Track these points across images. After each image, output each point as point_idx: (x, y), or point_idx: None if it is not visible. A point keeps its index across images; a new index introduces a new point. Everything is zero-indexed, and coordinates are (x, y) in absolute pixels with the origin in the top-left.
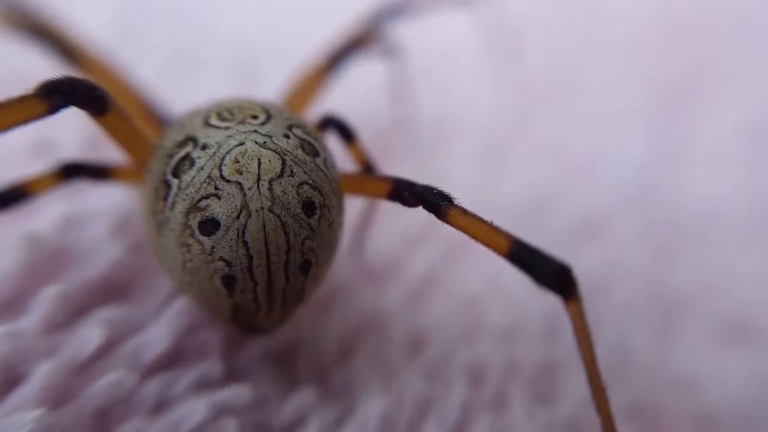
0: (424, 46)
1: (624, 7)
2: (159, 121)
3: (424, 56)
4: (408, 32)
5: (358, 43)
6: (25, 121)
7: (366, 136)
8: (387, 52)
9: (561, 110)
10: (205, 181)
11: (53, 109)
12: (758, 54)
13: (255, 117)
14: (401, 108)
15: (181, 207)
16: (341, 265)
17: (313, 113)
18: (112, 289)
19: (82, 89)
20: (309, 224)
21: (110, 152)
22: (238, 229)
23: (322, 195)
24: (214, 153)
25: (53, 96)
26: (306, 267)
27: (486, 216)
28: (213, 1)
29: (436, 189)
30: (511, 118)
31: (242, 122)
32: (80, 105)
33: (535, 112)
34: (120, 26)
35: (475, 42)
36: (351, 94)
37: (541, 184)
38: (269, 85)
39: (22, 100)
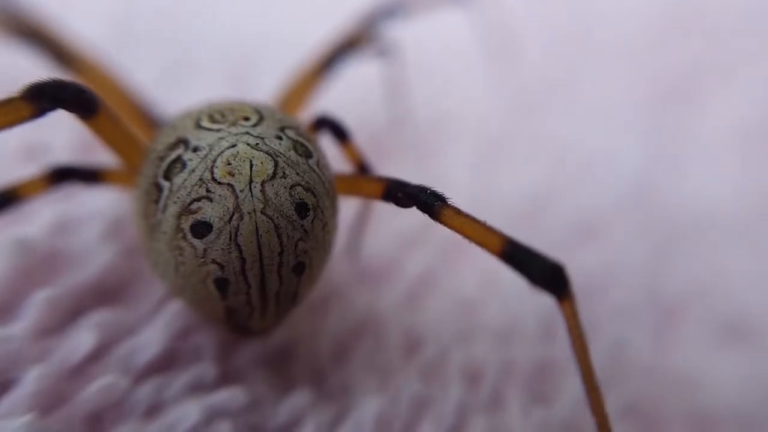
0: (419, 45)
1: (621, 7)
2: (153, 123)
3: (419, 56)
4: (403, 32)
5: (353, 43)
6: (10, 123)
7: (362, 136)
8: (382, 52)
9: (558, 110)
10: (196, 184)
11: (40, 112)
12: (754, 54)
13: (247, 119)
14: (397, 108)
15: (172, 210)
16: (337, 266)
17: (308, 114)
18: (104, 293)
19: (70, 91)
20: (302, 226)
21: (103, 155)
22: (230, 232)
23: (315, 196)
24: (206, 155)
25: (39, 98)
26: (299, 269)
27: (483, 216)
28: (209, 3)
29: (429, 189)
30: (507, 118)
31: (234, 124)
32: (68, 107)
33: (532, 112)
34: (116, 29)
35: (471, 42)
36: (346, 94)
37: (537, 184)
38: (265, 86)
39: (7, 102)
